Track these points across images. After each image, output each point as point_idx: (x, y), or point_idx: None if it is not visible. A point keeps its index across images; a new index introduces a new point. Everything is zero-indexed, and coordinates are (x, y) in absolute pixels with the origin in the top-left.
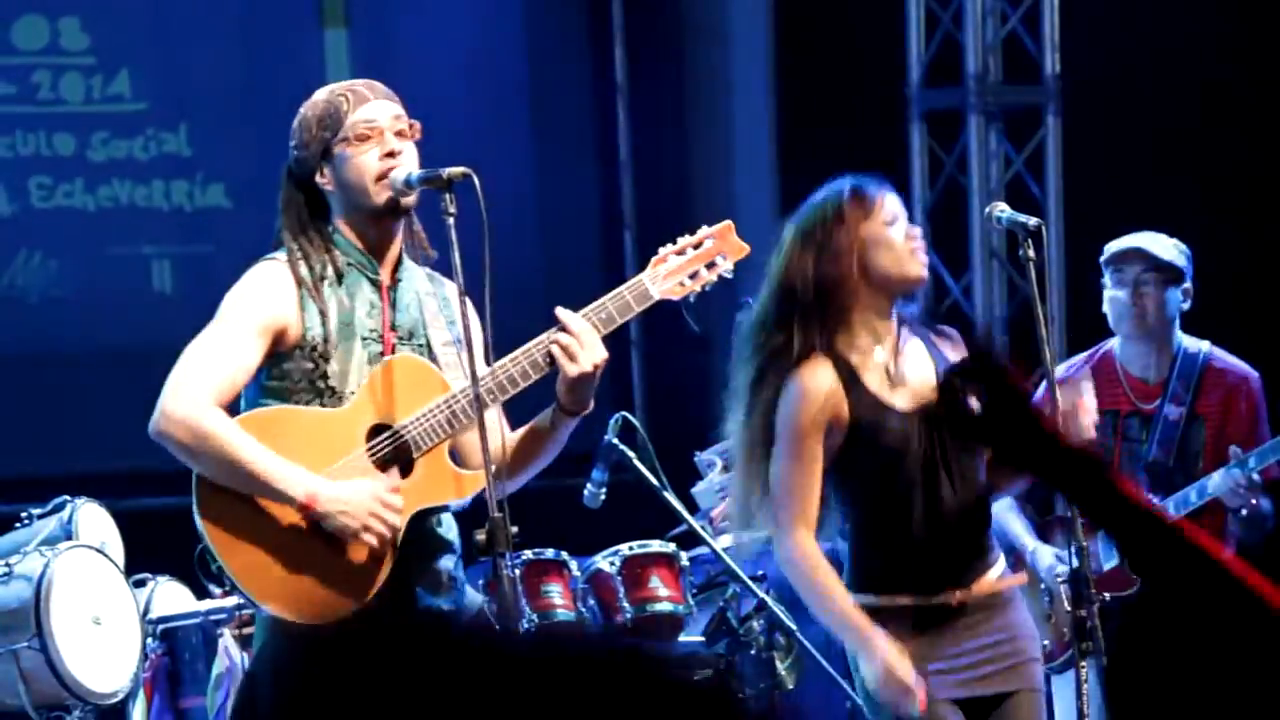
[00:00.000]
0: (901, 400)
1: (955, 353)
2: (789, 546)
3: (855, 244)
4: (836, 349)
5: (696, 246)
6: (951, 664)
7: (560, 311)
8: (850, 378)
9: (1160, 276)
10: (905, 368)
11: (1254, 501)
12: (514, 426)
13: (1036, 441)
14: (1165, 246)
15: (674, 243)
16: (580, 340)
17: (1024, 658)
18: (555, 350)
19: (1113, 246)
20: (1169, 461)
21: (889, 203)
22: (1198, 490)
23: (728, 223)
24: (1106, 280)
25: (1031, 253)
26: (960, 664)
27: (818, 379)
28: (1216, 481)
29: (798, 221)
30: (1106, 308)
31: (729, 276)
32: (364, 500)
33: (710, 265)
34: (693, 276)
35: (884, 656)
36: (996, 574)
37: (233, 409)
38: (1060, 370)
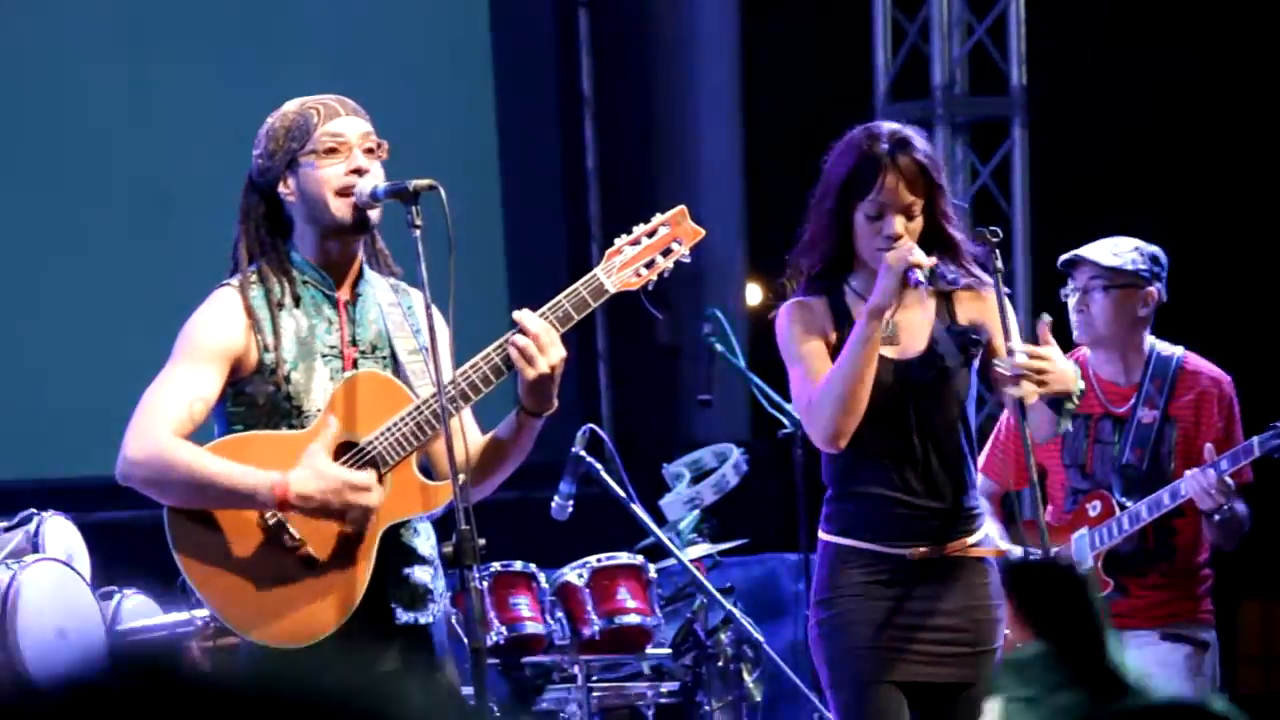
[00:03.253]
0: (889, 353)
1: (976, 305)
2: None
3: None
4: (844, 288)
5: (651, 235)
6: (904, 643)
7: (517, 313)
8: (842, 315)
9: (1105, 283)
10: (904, 323)
11: (1226, 505)
12: (485, 430)
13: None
14: (1116, 252)
15: (628, 233)
16: (538, 341)
17: (986, 646)
18: (513, 353)
19: (1064, 255)
20: (1142, 464)
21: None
22: (1170, 493)
23: (681, 208)
24: (1069, 287)
25: (999, 263)
26: (916, 644)
27: (807, 309)
28: (1189, 483)
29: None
30: (1073, 318)
31: (686, 261)
32: (333, 481)
33: (666, 252)
34: (649, 265)
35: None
36: (973, 540)
37: (201, 440)
38: None
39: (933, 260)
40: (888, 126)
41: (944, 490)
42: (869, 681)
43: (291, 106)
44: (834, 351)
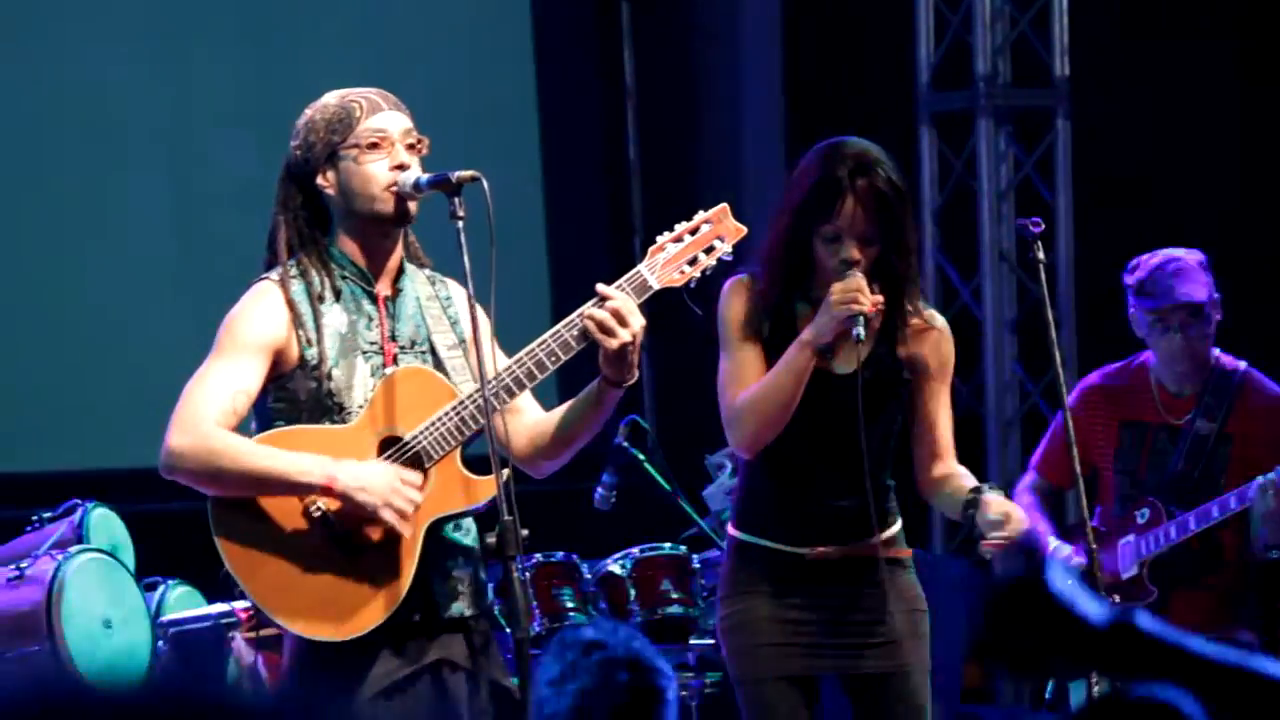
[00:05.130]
0: (816, 364)
1: (919, 340)
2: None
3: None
4: (793, 293)
5: (693, 232)
6: (804, 640)
7: (599, 286)
8: (784, 316)
9: (1198, 319)
10: (838, 341)
11: None
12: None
13: (1076, 648)
14: (1199, 282)
15: (671, 230)
16: (618, 312)
17: (897, 637)
18: (590, 325)
19: (1151, 291)
20: (1194, 474)
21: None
22: (1220, 506)
23: (723, 205)
24: (1143, 317)
25: (1041, 255)
26: (818, 640)
27: (756, 289)
28: (1250, 494)
29: None
30: (1142, 332)
31: (729, 259)
32: (382, 478)
33: (709, 250)
34: (692, 263)
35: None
36: (879, 539)
37: (241, 435)
38: (1094, 376)
39: (877, 300)
40: (853, 147)
41: (847, 494)
42: (763, 678)
43: (332, 99)
44: (766, 346)
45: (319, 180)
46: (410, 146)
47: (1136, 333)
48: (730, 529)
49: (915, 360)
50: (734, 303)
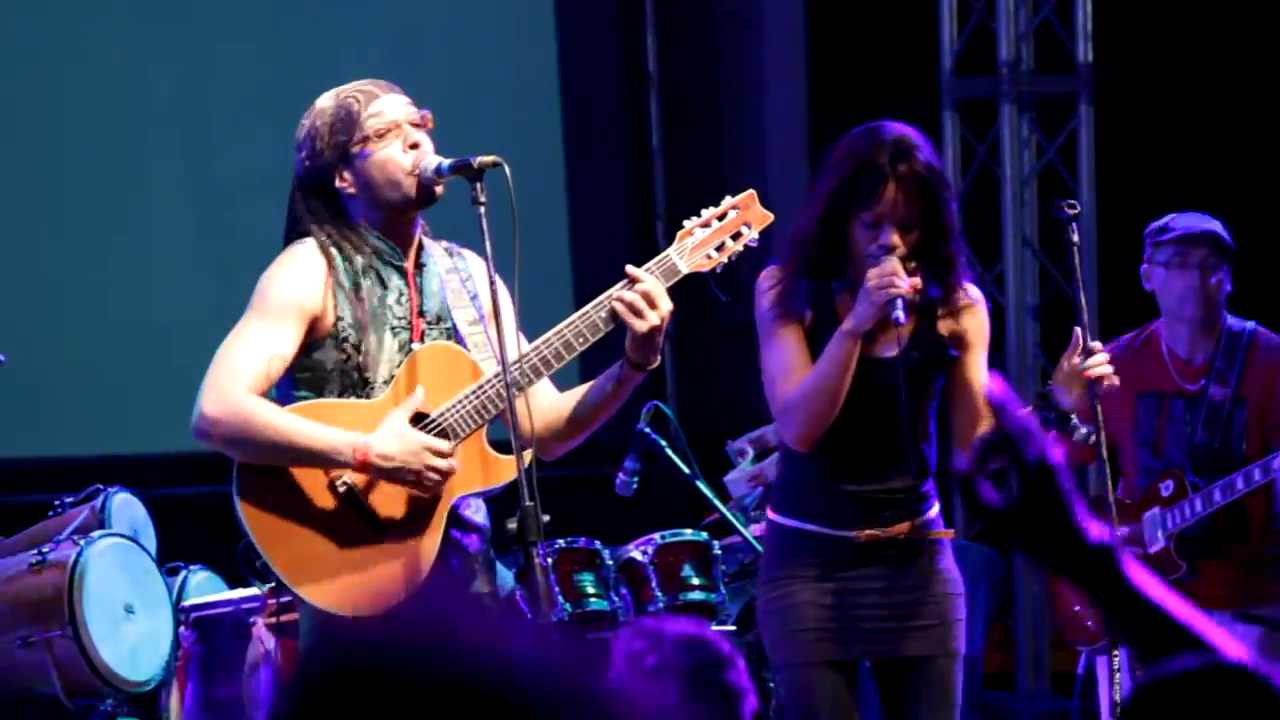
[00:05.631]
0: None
1: (961, 319)
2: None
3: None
4: (830, 282)
5: (721, 218)
6: (848, 624)
7: (629, 268)
8: (823, 302)
9: (1224, 259)
10: (881, 324)
11: None
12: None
13: (1060, 543)
14: (1222, 231)
15: (698, 215)
16: (648, 294)
17: (939, 620)
18: (619, 307)
19: (1175, 227)
20: (1214, 444)
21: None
22: (1244, 477)
23: (750, 192)
24: (1162, 259)
25: (1076, 237)
26: (862, 624)
27: (794, 278)
28: (1275, 465)
29: None
30: (1157, 287)
31: (755, 245)
32: (415, 447)
33: (736, 235)
34: (719, 248)
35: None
36: (920, 522)
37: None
38: (1108, 347)
39: (915, 283)
40: (892, 132)
41: (893, 475)
42: (807, 663)
43: (327, 102)
44: (809, 335)
45: (337, 183)
46: (416, 124)
47: (1148, 286)
48: (771, 514)
49: (958, 336)
50: (770, 294)
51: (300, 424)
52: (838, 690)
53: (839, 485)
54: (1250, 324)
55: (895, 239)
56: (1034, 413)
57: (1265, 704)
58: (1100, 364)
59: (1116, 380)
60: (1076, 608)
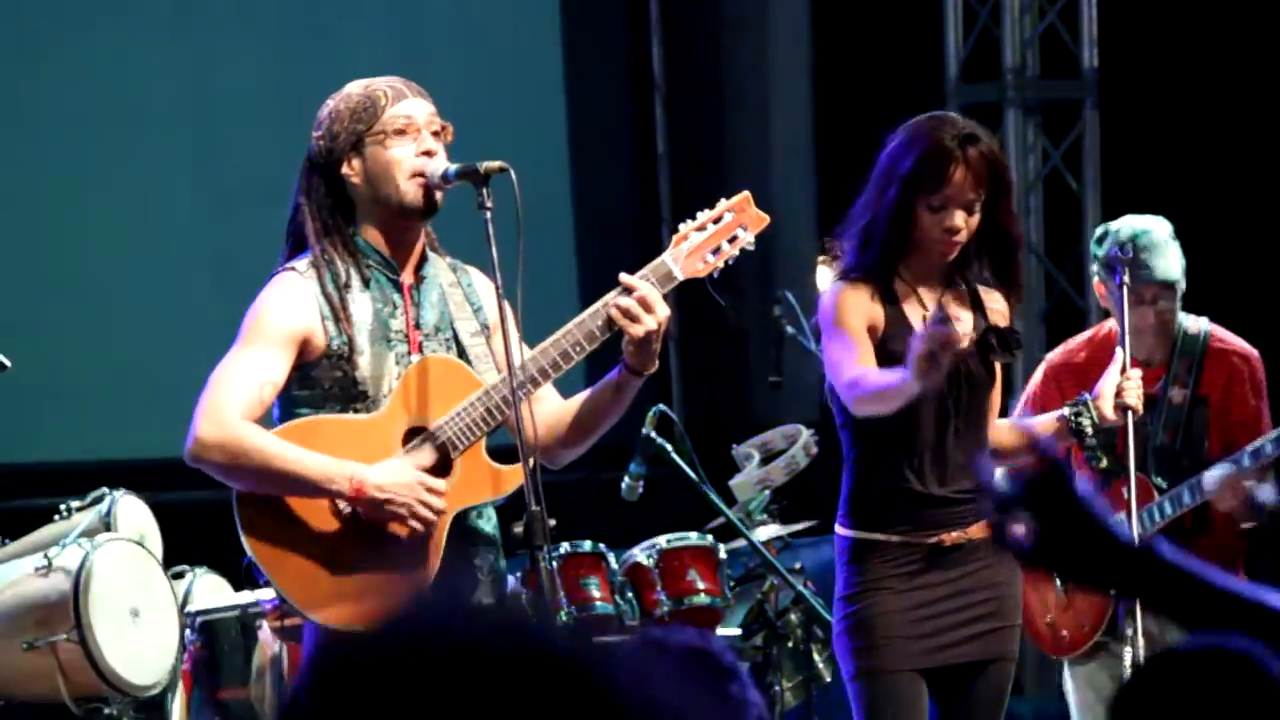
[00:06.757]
0: None
1: (998, 306)
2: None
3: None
4: (893, 278)
5: (716, 221)
6: (932, 632)
7: (623, 276)
8: (891, 299)
9: (1169, 299)
10: (951, 314)
11: (1255, 501)
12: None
13: (1095, 558)
14: (1172, 257)
15: (693, 219)
16: (644, 300)
17: (1006, 623)
18: (615, 313)
19: (1125, 264)
20: (1175, 445)
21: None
22: (1189, 489)
23: (746, 194)
24: (1116, 280)
25: (1128, 279)
26: (943, 630)
27: (859, 291)
28: (1209, 483)
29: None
30: (1108, 302)
31: (751, 248)
32: (408, 483)
33: (732, 239)
34: (715, 252)
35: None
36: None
37: (265, 424)
38: (1058, 352)
39: (963, 339)
40: (955, 118)
41: (964, 478)
42: (893, 671)
43: (355, 88)
44: (879, 333)
45: (344, 169)
46: (435, 133)
47: (1102, 303)
48: (843, 530)
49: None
50: (840, 300)
51: (296, 453)
52: (921, 697)
53: (920, 490)
54: (1205, 323)
55: (960, 221)
56: (1065, 418)
57: (1262, 687)
58: (1135, 390)
59: (1140, 409)
60: (1048, 619)
